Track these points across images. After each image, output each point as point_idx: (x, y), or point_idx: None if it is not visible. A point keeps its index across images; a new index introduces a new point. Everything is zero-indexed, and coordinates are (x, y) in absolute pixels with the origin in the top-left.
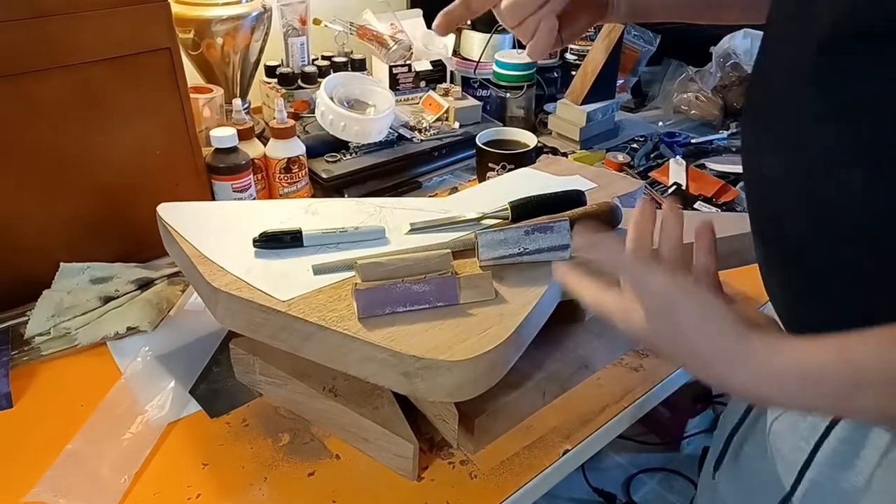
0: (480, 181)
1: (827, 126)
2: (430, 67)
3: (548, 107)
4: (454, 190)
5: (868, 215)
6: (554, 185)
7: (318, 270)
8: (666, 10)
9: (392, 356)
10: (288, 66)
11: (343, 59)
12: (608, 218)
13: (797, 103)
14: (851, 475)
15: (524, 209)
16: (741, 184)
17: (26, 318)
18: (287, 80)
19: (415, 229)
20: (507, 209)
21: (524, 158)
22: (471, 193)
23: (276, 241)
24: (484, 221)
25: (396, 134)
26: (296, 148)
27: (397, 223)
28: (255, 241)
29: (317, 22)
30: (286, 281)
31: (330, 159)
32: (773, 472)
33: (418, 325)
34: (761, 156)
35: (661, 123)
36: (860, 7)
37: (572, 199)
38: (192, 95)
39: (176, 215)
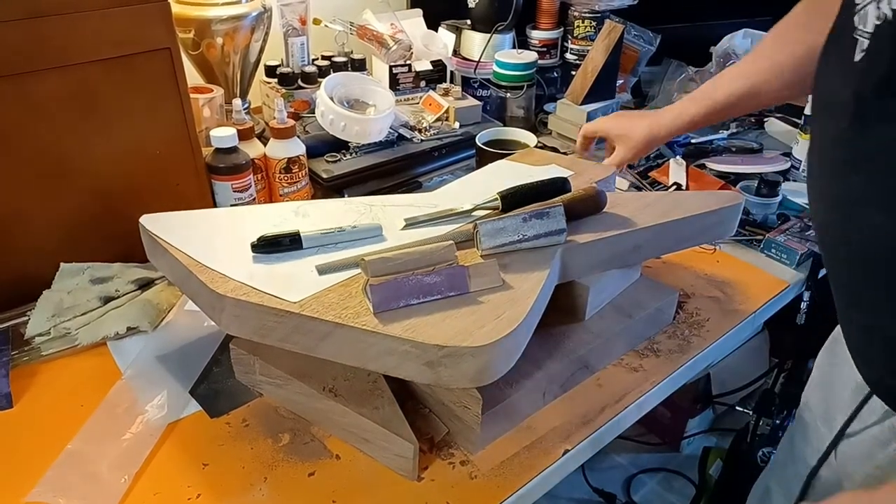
0: None
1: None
2: (430, 67)
3: (548, 107)
4: None
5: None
6: (533, 174)
7: (323, 270)
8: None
9: (414, 347)
10: (288, 65)
11: (343, 59)
12: (595, 202)
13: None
14: None
15: (513, 198)
16: (742, 183)
17: (26, 318)
18: (287, 80)
19: (410, 224)
20: (496, 199)
21: None
22: (456, 187)
23: (275, 245)
24: (476, 212)
25: (396, 134)
26: (296, 148)
27: (389, 220)
28: (253, 245)
29: (317, 22)
30: (292, 283)
31: (330, 159)
32: None
33: (435, 316)
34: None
35: None
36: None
37: (558, 186)
38: (191, 95)
39: (162, 226)
